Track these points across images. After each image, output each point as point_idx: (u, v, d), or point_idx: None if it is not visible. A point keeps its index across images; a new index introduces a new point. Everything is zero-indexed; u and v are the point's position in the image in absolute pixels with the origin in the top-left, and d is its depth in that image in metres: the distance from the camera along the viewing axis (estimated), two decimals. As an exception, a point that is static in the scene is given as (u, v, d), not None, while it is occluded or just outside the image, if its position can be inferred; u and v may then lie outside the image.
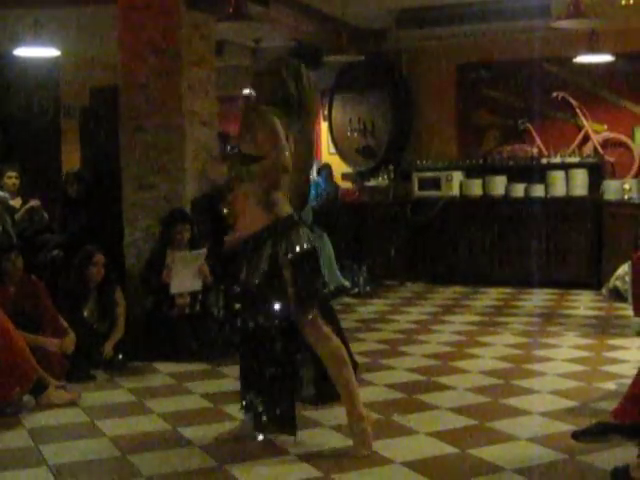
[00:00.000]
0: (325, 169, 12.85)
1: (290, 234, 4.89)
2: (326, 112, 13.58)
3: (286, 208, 4.97)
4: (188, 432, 5.43)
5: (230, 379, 6.80)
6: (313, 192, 11.81)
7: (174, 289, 7.68)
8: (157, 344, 7.52)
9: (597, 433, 4.53)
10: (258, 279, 4.91)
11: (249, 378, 5.18)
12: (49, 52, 9.38)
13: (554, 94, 11.97)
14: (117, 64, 8.67)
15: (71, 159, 12.53)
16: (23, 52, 9.33)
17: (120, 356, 7.21)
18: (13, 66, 10.88)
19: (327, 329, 5.01)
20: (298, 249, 4.87)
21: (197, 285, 7.77)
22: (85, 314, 7.37)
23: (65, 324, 6.85)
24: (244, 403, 5.20)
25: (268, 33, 11.62)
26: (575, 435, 4.66)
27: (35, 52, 9.38)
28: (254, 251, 4.92)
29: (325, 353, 4.97)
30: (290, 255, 4.84)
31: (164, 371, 7.15)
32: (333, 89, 13.21)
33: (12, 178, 9.40)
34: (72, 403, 6.14)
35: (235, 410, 5.71)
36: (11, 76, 11.42)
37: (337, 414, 5.73)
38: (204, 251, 7.85)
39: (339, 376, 4.98)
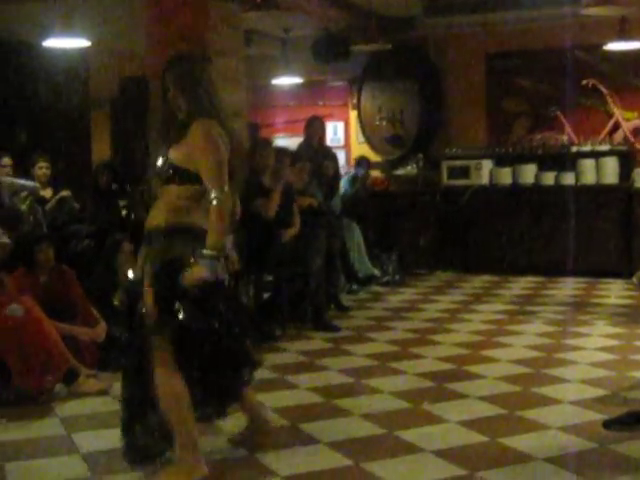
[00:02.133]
0: (364, 160, 12.66)
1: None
2: (355, 101, 13.57)
3: None
4: (218, 420, 5.43)
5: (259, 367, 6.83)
6: (347, 184, 11.80)
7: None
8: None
9: (628, 422, 4.52)
10: None
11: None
12: (79, 43, 9.39)
13: (584, 82, 11.89)
14: (146, 54, 8.70)
15: (101, 149, 12.62)
16: (53, 43, 9.34)
17: (151, 345, 7.24)
18: (43, 57, 10.93)
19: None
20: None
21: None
22: (115, 303, 7.39)
23: (96, 313, 6.90)
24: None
25: (297, 22, 11.62)
26: (606, 424, 4.65)
27: (65, 43, 9.38)
28: None
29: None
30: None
31: (194, 360, 7.17)
32: (362, 78, 13.19)
33: (43, 168, 9.46)
34: (103, 392, 6.17)
35: (264, 397, 5.69)
36: (41, 67, 11.49)
37: (368, 403, 5.76)
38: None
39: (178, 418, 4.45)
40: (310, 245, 8.26)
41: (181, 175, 4.54)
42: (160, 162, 4.64)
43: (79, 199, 9.62)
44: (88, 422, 5.60)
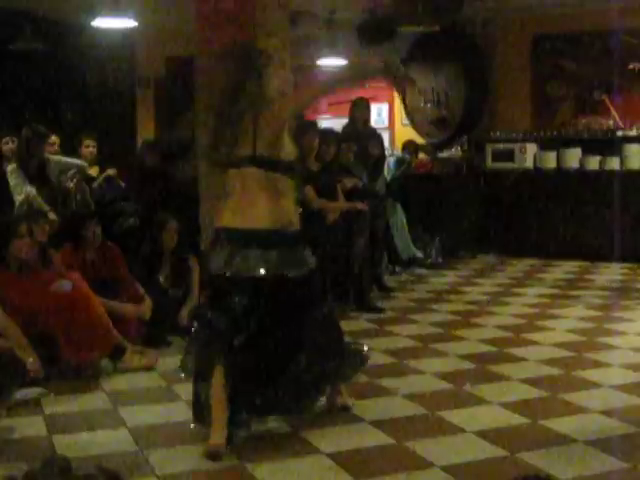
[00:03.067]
0: (412, 143, 12.64)
1: None
2: (399, 83, 13.55)
3: None
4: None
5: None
6: (393, 166, 11.81)
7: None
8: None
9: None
10: None
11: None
12: (126, 23, 9.47)
13: (631, 66, 11.81)
14: (193, 34, 8.74)
15: (147, 129, 12.70)
16: (101, 23, 9.41)
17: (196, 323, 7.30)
18: (90, 37, 11.01)
19: None
20: None
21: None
22: (160, 280, 7.49)
23: (142, 290, 6.99)
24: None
25: (343, 4, 11.61)
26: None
27: (112, 23, 9.46)
28: None
29: None
30: None
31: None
32: (407, 60, 13.17)
33: (90, 147, 9.55)
34: (149, 368, 6.27)
35: None
36: (88, 47, 11.57)
37: (411, 383, 5.81)
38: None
39: None
40: (354, 226, 8.29)
41: None
42: None
43: (125, 178, 9.71)
44: (134, 397, 5.70)
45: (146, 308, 6.89)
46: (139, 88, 12.80)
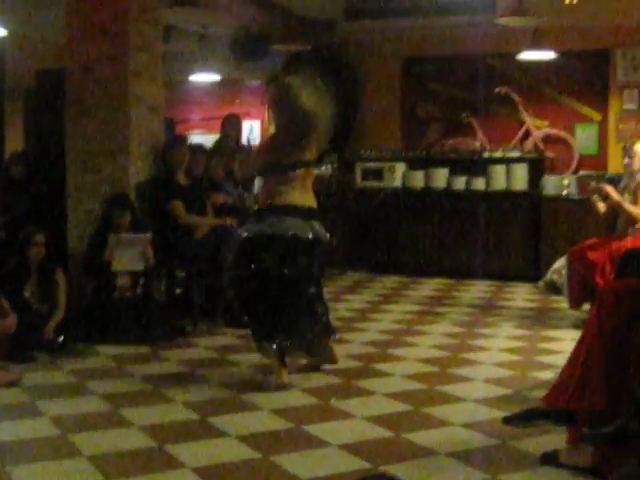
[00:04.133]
0: None
1: None
2: (272, 101, 13.61)
3: None
4: (129, 413, 5.48)
5: (171, 362, 6.89)
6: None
7: (115, 267, 7.70)
8: (98, 326, 7.54)
9: (527, 418, 4.65)
10: None
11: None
12: (-5, 32, 9.33)
13: (497, 89, 12.15)
14: (64, 46, 8.66)
15: (14, 140, 12.47)
16: (-32, 31, 9.26)
17: (61, 338, 7.20)
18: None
19: None
20: None
21: (139, 266, 7.78)
22: (26, 295, 7.36)
23: (6, 305, 6.84)
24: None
25: (216, 19, 11.63)
26: (506, 420, 4.78)
27: (-20, 32, 9.31)
28: None
29: None
30: None
31: (105, 353, 7.18)
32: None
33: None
34: (13, 383, 6.14)
35: (175, 392, 5.92)
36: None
37: (276, 398, 5.84)
38: (147, 236, 7.89)
39: None
40: (223, 241, 8.29)
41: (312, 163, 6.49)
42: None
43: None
44: (-4, 413, 5.59)
45: (11, 323, 6.73)
46: (8, 99, 12.56)
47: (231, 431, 5.12)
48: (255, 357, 7.05)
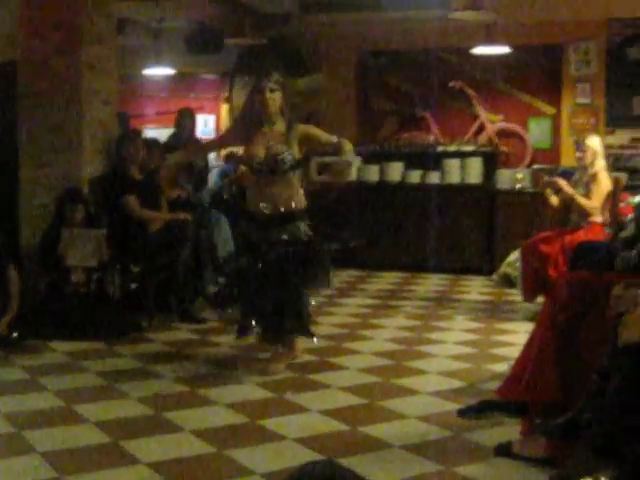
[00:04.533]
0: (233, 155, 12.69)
1: None
2: (226, 94, 13.59)
3: None
4: (83, 409, 5.44)
5: (125, 357, 6.86)
6: (218, 178, 11.78)
7: (69, 262, 7.65)
8: (52, 322, 7.49)
9: (481, 410, 4.70)
10: None
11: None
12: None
13: (451, 83, 12.20)
14: (17, 39, 8.58)
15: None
16: None
17: (15, 333, 7.13)
18: None
19: None
20: None
21: (92, 262, 7.74)
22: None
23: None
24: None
25: (170, 13, 11.58)
26: (460, 412, 4.82)
27: None
28: None
29: None
30: None
31: (59, 349, 7.13)
32: (234, 72, 13.23)
33: None
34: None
35: (130, 388, 5.89)
36: None
37: (231, 393, 5.84)
38: (102, 232, 7.85)
39: None
40: (177, 236, 8.27)
41: (298, 164, 6.52)
42: (284, 154, 6.30)
43: None
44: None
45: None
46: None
47: (186, 426, 5.11)
48: (210, 351, 7.08)
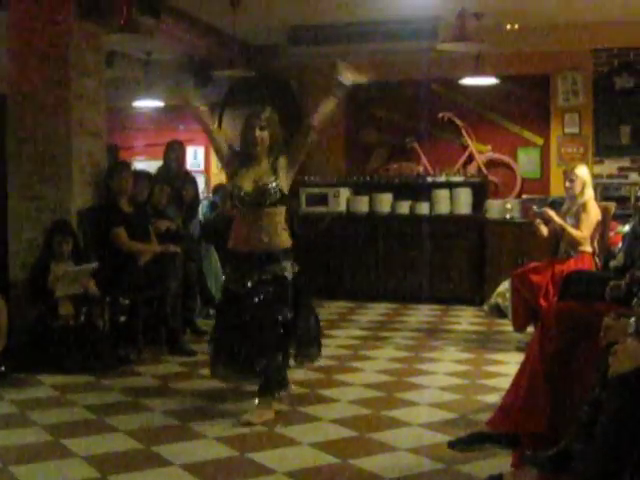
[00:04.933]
0: (222, 189, 12.70)
1: None
2: (215, 126, 13.57)
3: None
4: (71, 443, 5.40)
5: (114, 391, 6.82)
6: (208, 210, 11.76)
7: (58, 293, 7.61)
8: (41, 355, 7.44)
9: (472, 442, 4.67)
10: None
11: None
12: None
13: (440, 114, 12.23)
14: (5, 72, 8.59)
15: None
16: None
17: (2, 367, 7.10)
18: None
19: None
20: None
21: (78, 289, 7.70)
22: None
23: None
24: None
25: (159, 46, 11.60)
26: (451, 444, 4.79)
27: None
28: None
29: None
30: None
31: (47, 383, 7.09)
32: (223, 104, 13.23)
33: None
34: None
35: (119, 421, 5.85)
36: None
37: (222, 426, 5.80)
38: (91, 266, 7.82)
39: None
40: (166, 268, 8.25)
41: (282, 198, 6.17)
42: (272, 184, 6.11)
43: None
44: None
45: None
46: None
47: (176, 460, 5.06)
48: (201, 384, 7.03)
